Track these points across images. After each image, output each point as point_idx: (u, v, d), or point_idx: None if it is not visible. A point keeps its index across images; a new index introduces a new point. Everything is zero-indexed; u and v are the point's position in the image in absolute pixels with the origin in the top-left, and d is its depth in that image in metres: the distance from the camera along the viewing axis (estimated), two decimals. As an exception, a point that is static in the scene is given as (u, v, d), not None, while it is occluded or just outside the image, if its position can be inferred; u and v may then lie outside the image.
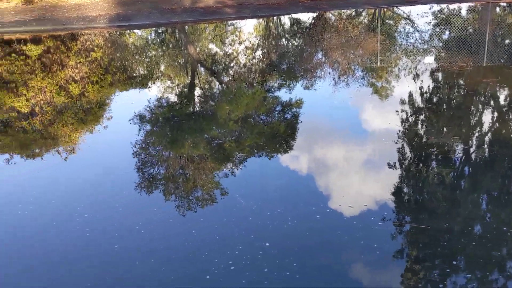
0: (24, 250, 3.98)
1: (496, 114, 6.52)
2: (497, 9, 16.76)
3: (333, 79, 8.83)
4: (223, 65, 11.19)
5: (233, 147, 5.92)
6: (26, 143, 6.65)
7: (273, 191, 4.68)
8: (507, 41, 11.36)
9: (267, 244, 3.77)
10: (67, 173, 5.45)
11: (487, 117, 6.37)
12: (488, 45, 10.67)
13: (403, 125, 6.28)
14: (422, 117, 6.65)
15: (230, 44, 13.56)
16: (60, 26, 16.50)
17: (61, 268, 3.69)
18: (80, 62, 11.78)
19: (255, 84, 8.93)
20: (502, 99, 7.05)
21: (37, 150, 6.37)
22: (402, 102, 7.20)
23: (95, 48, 13.57)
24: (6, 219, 4.49)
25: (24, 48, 13.65)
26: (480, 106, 6.86)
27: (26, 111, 7.98)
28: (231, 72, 10.36)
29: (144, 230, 4.11)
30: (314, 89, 8.22)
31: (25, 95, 8.98)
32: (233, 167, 5.36)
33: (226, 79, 9.76)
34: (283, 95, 7.97)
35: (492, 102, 6.99)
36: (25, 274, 3.66)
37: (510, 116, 6.41)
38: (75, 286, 3.47)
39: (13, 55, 12.66)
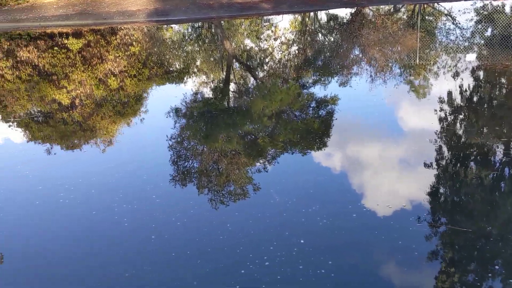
0: (65, 237, 4.10)
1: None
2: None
3: (370, 76, 8.70)
4: (258, 60, 11.20)
5: (267, 142, 5.92)
6: (67, 134, 6.84)
7: (308, 188, 4.66)
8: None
9: (302, 241, 3.76)
10: (106, 164, 5.58)
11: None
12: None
13: (442, 124, 6.13)
14: (462, 116, 6.47)
15: (266, 40, 13.55)
16: (100, 21, 16.87)
17: (99, 257, 3.79)
18: (119, 56, 12.03)
19: (290, 80, 8.90)
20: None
21: (76, 141, 6.55)
22: (441, 101, 7.02)
23: (134, 43, 13.82)
24: (48, 207, 4.64)
25: (66, 41, 14.04)
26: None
27: (66, 103, 8.22)
28: (266, 67, 10.35)
29: (180, 222, 4.17)
30: (350, 86, 8.12)
31: (66, 87, 9.24)
32: (268, 163, 5.36)
33: (261, 74, 9.77)
34: (318, 91, 7.91)
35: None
36: (65, 260, 3.77)
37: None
38: (113, 274, 3.56)
39: (55, 48, 13.04)
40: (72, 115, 7.61)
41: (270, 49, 12.29)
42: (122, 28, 16.09)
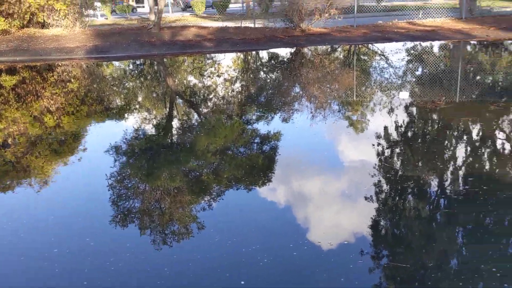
0: (-13, 289, 3.77)
1: (469, 148, 6.62)
2: (468, 47, 17.38)
3: (311, 112, 8.90)
4: (202, 96, 11.20)
5: (211, 179, 5.83)
6: (-4, 175, 6.43)
7: (249, 226, 4.59)
8: (478, 77, 11.71)
9: (242, 282, 3.66)
10: (39, 206, 5.26)
11: (461, 152, 6.46)
12: (460, 82, 10.98)
13: (380, 158, 6.32)
14: (399, 150, 6.71)
15: (209, 76, 13.63)
16: (37, 57, 16.37)
17: (25, 309, 3.50)
18: (56, 93, 11.64)
19: (233, 116, 8.93)
20: (475, 134, 7.19)
21: (8, 182, 6.17)
22: (378, 136, 7.27)
23: (72, 79, 13.46)
24: (-31, 256, 4.27)
25: (-2, 78, 13.44)
26: (454, 141, 6.97)
27: (-3, 142, 7.77)
28: (210, 104, 10.36)
29: (114, 267, 3.95)
30: (292, 122, 8.25)
31: (-3, 125, 8.76)
32: (212, 200, 5.26)
33: (205, 110, 9.75)
34: (262, 127, 7.98)
35: (465, 138, 7.11)
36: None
37: (483, 151, 6.52)
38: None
39: (-14, 84, 12.43)
40: (4, 154, 7.20)
41: (213, 85, 12.35)
42: (60, 64, 15.67)
